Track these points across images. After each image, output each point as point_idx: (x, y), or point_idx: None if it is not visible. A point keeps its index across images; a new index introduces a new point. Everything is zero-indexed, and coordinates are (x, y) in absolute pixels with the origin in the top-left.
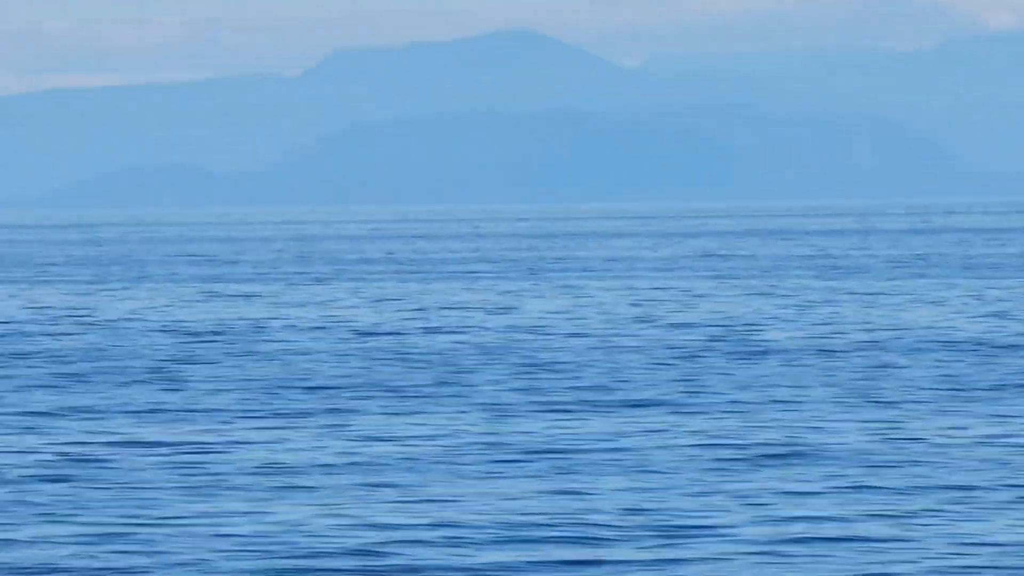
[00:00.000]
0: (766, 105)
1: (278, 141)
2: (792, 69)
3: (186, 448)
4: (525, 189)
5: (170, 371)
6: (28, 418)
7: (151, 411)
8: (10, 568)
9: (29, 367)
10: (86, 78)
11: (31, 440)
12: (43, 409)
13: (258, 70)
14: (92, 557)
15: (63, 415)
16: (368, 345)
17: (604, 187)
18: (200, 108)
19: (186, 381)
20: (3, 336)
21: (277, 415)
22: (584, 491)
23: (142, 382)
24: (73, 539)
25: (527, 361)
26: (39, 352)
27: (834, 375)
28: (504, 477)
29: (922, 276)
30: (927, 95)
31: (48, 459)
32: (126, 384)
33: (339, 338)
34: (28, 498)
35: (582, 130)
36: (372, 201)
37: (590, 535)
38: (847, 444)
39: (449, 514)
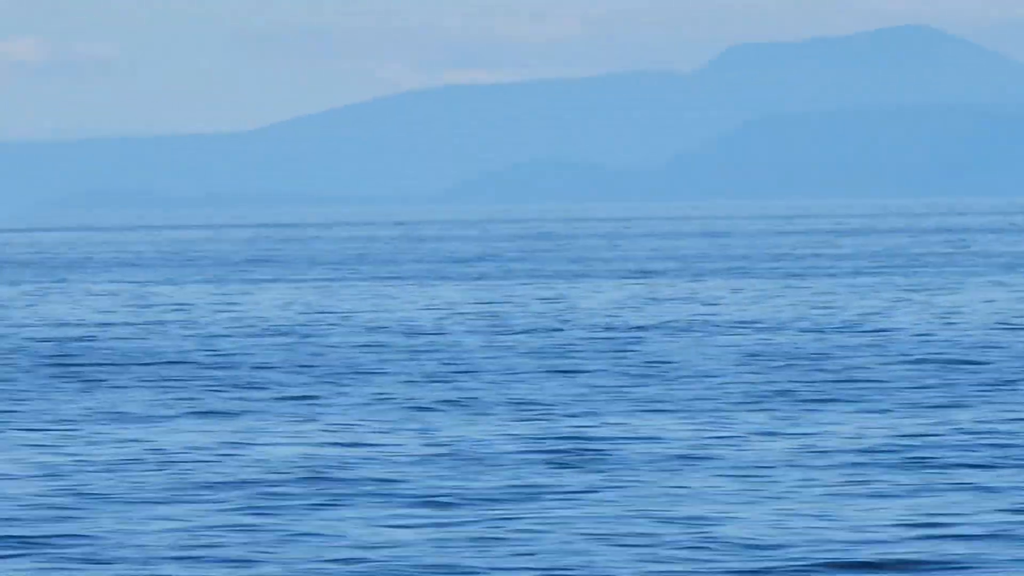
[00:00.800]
0: None
1: (674, 137)
2: None
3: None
4: (918, 184)
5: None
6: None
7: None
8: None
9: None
10: (483, 74)
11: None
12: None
13: (655, 66)
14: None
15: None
16: None
17: (997, 181)
18: (597, 104)
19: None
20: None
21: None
22: None
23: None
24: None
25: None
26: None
27: None
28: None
29: None
30: None
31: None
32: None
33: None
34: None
35: (976, 124)
36: (767, 196)
37: None
38: None
39: None
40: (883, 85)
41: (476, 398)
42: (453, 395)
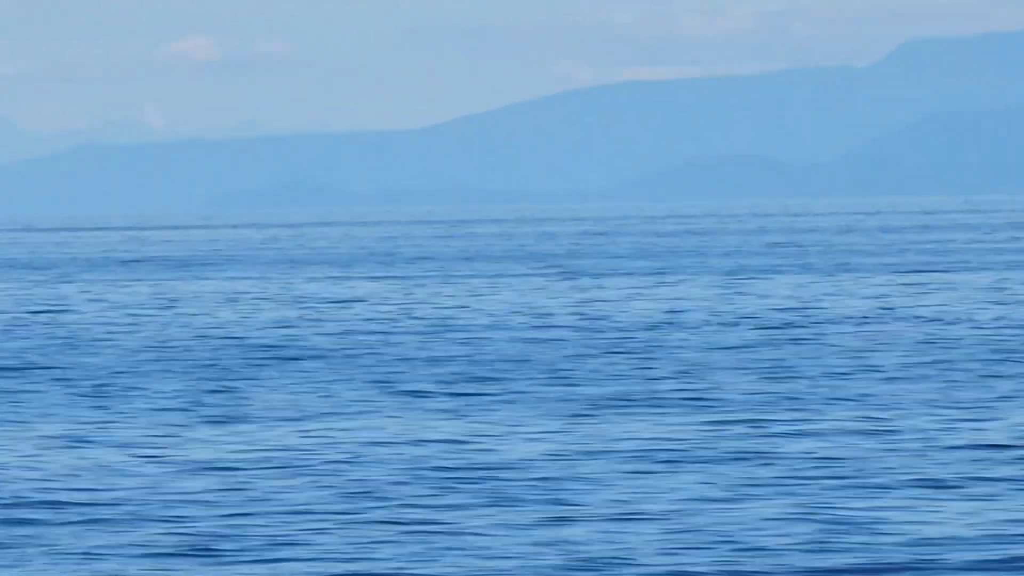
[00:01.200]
0: None
1: (849, 132)
2: None
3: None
4: None
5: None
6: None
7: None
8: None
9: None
10: (657, 70)
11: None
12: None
13: (829, 61)
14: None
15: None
16: None
17: None
18: (771, 100)
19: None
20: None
21: None
22: None
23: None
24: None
25: None
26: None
27: None
28: None
29: None
30: None
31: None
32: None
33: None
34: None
35: None
36: (942, 192)
37: None
38: None
39: None
40: None
41: (654, 394)
42: (628, 390)
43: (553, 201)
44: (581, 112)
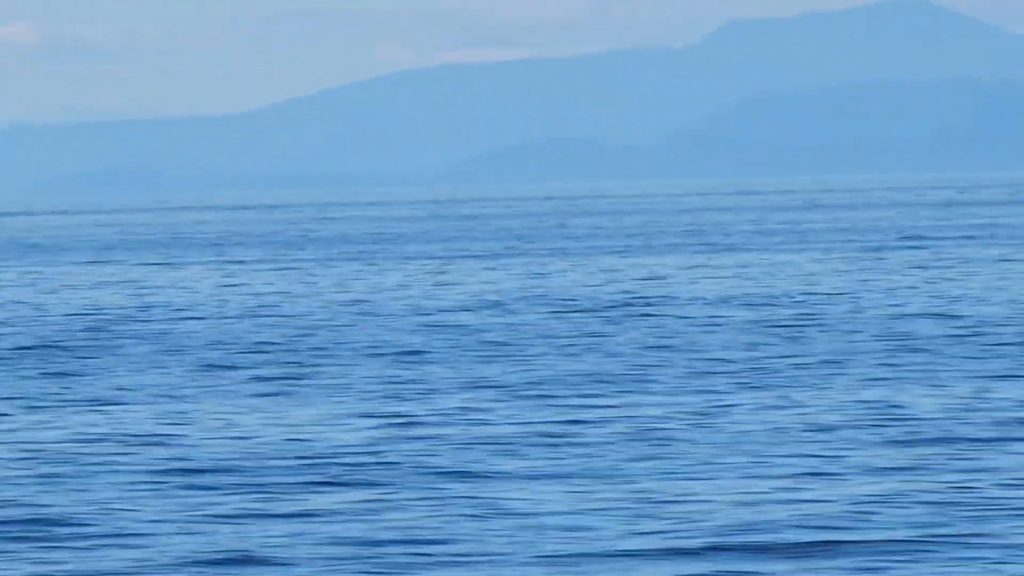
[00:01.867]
0: None
1: (670, 114)
2: None
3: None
4: (919, 160)
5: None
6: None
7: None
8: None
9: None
10: (480, 53)
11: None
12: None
13: (650, 42)
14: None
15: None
16: None
17: (1000, 156)
18: (593, 82)
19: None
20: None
21: None
22: None
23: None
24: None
25: None
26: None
27: None
28: None
29: None
30: None
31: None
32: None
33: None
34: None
35: (976, 99)
36: (762, 174)
37: None
38: None
39: None
40: (878, 60)
41: (505, 383)
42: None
43: (376, 184)
44: (404, 95)
